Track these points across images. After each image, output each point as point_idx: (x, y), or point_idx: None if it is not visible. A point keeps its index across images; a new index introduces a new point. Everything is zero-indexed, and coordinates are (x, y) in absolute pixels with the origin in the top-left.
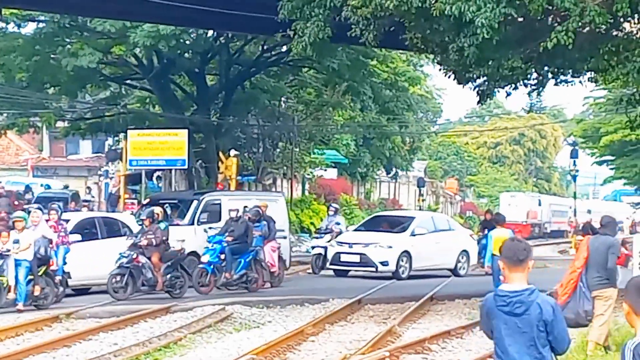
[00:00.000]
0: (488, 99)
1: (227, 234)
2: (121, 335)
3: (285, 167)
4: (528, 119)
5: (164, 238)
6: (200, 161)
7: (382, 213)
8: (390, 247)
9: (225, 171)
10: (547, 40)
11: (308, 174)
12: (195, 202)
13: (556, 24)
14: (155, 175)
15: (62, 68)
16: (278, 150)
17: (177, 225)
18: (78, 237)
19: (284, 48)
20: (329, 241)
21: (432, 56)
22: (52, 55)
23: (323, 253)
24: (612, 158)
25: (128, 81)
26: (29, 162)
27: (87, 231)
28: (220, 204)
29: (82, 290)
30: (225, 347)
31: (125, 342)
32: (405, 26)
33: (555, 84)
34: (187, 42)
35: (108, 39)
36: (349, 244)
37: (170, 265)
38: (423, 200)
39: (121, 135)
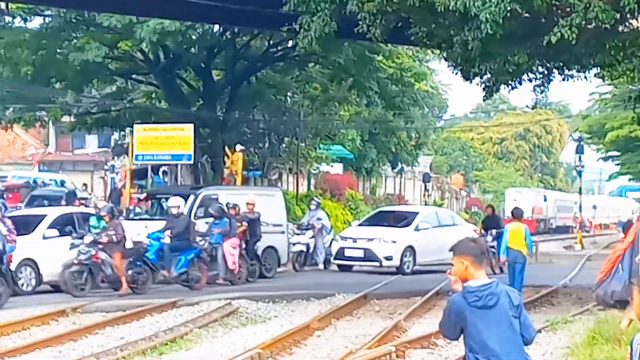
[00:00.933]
0: (494, 94)
1: (166, 231)
2: (127, 329)
3: (291, 162)
4: (533, 115)
5: (125, 234)
6: (206, 156)
7: (386, 208)
8: (395, 242)
9: (231, 166)
10: (551, 34)
11: (314, 169)
12: (192, 197)
13: (561, 19)
14: (161, 170)
15: (68, 62)
16: (284, 145)
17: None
18: (55, 232)
19: (290, 43)
20: (311, 237)
21: (437, 51)
22: (58, 50)
23: (305, 250)
24: (618, 154)
25: (134, 76)
26: (35, 156)
27: (65, 226)
28: (217, 198)
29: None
30: (232, 342)
31: (131, 336)
32: (410, 21)
33: (562, 80)
34: (193, 37)
35: (114, 34)
36: (353, 238)
37: (133, 261)
38: (429, 195)
39: (127, 130)
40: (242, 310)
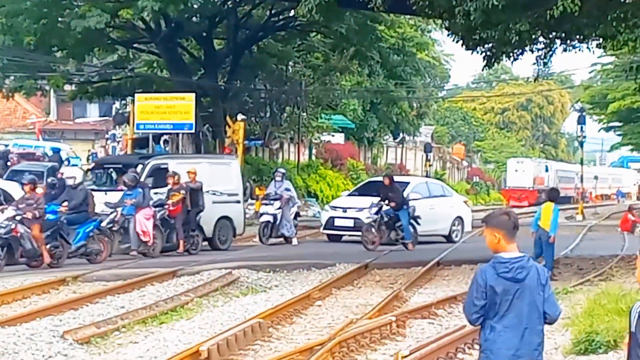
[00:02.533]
0: (495, 63)
1: (63, 203)
2: (128, 298)
3: (292, 132)
4: (535, 85)
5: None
6: (207, 125)
7: (376, 178)
8: None
9: (233, 135)
10: (554, 7)
11: (315, 139)
12: (140, 167)
13: None
14: (162, 139)
15: (69, 31)
16: (285, 114)
17: (121, 190)
18: None
19: (292, 12)
20: (278, 208)
21: (439, 21)
22: (59, 19)
23: (272, 221)
24: (620, 124)
25: (135, 45)
26: (36, 125)
27: None
28: (167, 168)
29: None
30: (232, 311)
31: (132, 305)
32: None
33: (564, 50)
34: (195, 6)
35: (116, 2)
36: (343, 208)
37: (50, 235)
38: (430, 165)
39: (128, 99)
40: (242, 280)
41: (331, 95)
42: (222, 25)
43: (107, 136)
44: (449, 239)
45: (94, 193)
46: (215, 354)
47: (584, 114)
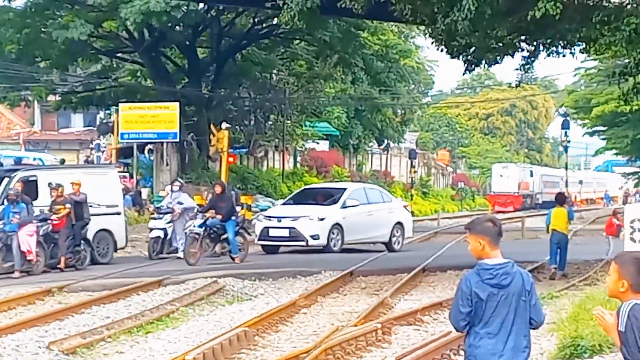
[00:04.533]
0: (475, 68)
1: None
2: (114, 308)
3: (276, 140)
4: (519, 90)
5: None
6: (191, 134)
7: (312, 185)
8: (321, 220)
9: (217, 144)
10: (535, 9)
11: (300, 146)
12: (6, 180)
13: None
14: (147, 148)
15: (53, 41)
16: (270, 122)
17: None
18: None
19: (275, 20)
20: (169, 222)
21: (422, 27)
22: (43, 29)
23: (162, 236)
24: (604, 129)
25: (119, 54)
26: (20, 135)
27: None
28: (36, 180)
29: None
30: (218, 320)
31: (117, 315)
32: None
33: (548, 55)
34: (178, 15)
35: (99, 13)
36: (277, 217)
37: None
38: (415, 171)
39: (113, 108)
40: (228, 288)
41: (315, 102)
42: (205, 34)
43: (91, 146)
44: (389, 246)
45: None
46: None
47: (568, 118)
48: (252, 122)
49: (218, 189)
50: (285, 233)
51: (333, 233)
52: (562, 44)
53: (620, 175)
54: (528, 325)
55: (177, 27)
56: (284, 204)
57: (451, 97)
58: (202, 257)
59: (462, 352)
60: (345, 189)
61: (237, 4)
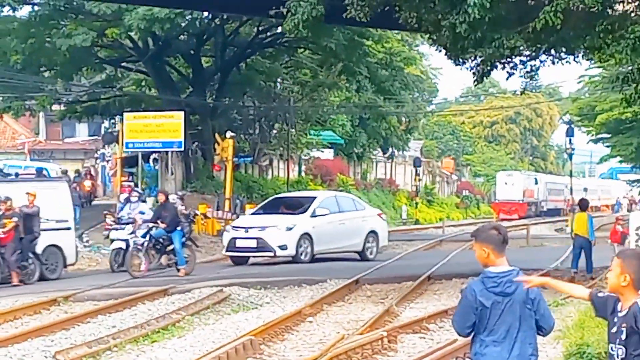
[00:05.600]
0: (485, 78)
1: None
2: (119, 317)
3: (281, 148)
4: (524, 98)
5: None
6: (196, 143)
7: (282, 195)
8: (289, 229)
9: (222, 153)
10: (536, 20)
11: (304, 155)
12: None
13: (546, 4)
14: (151, 157)
15: (57, 51)
16: (274, 131)
17: None
18: None
19: (279, 29)
20: (130, 233)
21: (426, 36)
22: (47, 38)
23: (124, 247)
24: (608, 136)
25: (123, 64)
26: (25, 145)
27: None
28: None
29: None
30: (223, 329)
31: (123, 324)
32: (399, 5)
33: (552, 63)
34: (182, 24)
35: (103, 22)
36: (245, 228)
37: None
38: (419, 180)
39: (117, 117)
40: (233, 297)
41: (320, 111)
42: (209, 43)
43: (96, 155)
44: (362, 255)
45: None
46: None
47: (572, 126)
48: (257, 131)
49: (161, 198)
50: (252, 244)
51: (302, 243)
52: (566, 51)
53: (625, 183)
54: (534, 333)
55: (182, 36)
56: (252, 213)
57: (455, 105)
58: (147, 268)
59: None
60: (315, 198)
61: (241, 13)
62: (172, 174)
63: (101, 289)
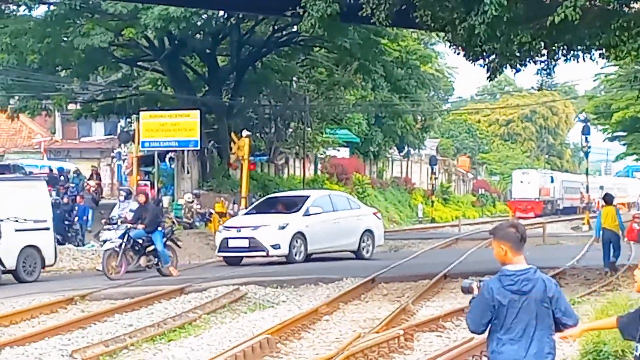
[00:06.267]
0: (497, 75)
1: None
2: (136, 316)
3: (297, 147)
4: (539, 96)
5: None
6: (212, 142)
7: (275, 194)
8: (282, 228)
9: (238, 151)
10: (555, 14)
11: (320, 154)
12: None
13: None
14: (168, 156)
15: (73, 50)
16: (290, 130)
17: None
18: None
19: (295, 28)
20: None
21: (442, 34)
22: (63, 38)
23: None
24: (624, 134)
25: (139, 63)
26: (41, 144)
27: None
28: None
29: None
30: (240, 327)
31: (140, 323)
32: (415, 4)
33: (566, 60)
34: (198, 23)
35: (119, 21)
36: (237, 228)
37: None
38: (435, 178)
39: (133, 117)
40: (250, 296)
41: (336, 109)
42: (225, 42)
43: (112, 154)
44: (358, 254)
45: None
46: None
47: (588, 124)
48: (273, 130)
49: (142, 198)
50: (244, 243)
51: (295, 242)
52: (581, 49)
53: None
54: (551, 331)
55: (197, 35)
56: (246, 213)
57: (471, 104)
58: (125, 270)
59: (484, 359)
60: (308, 197)
61: (257, 12)
62: (188, 173)
63: (118, 288)
